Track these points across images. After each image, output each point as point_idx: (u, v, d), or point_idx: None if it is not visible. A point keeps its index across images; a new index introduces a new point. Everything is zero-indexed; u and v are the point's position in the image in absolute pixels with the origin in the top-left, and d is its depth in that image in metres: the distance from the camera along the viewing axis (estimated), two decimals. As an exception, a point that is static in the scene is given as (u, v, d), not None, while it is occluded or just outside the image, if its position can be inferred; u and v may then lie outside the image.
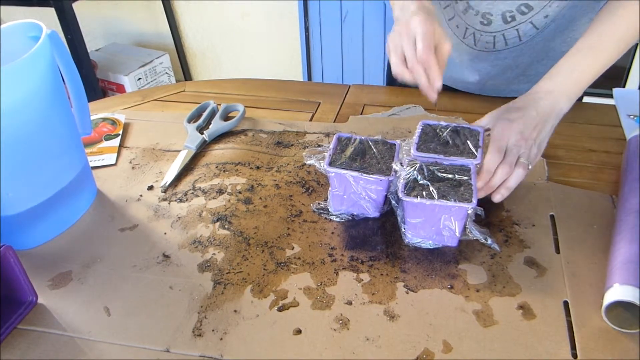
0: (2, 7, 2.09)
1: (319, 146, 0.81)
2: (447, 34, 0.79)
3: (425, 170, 0.61)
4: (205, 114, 0.88)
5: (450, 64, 0.91)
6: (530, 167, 0.63)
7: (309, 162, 0.65)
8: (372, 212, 0.67)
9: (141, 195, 0.74)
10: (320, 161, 0.64)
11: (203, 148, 0.83)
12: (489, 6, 0.78)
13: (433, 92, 0.64)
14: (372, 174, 0.62)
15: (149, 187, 0.76)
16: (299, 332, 0.54)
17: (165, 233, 0.68)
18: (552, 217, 0.67)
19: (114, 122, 0.90)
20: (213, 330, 0.55)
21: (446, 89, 0.94)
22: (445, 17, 0.85)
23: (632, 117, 0.85)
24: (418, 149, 0.65)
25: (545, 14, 0.77)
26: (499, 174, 0.62)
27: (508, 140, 0.63)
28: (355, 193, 0.64)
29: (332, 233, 0.66)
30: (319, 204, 0.70)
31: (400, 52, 0.65)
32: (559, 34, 0.81)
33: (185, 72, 2.49)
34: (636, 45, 1.92)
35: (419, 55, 0.62)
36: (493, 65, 0.87)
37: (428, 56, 0.62)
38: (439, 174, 0.61)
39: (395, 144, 0.67)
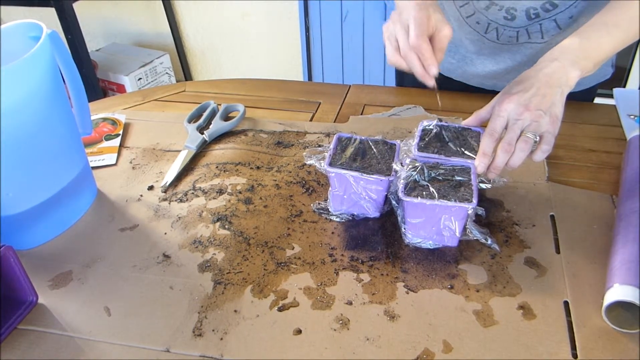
0: (2, 7, 2.09)
1: (319, 146, 0.82)
2: (466, 31, 0.78)
3: (425, 170, 0.61)
4: (205, 114, 0.88)
5: (467, 58, 0.91)
6: (537, 138, 0.59)
7: (309, 162, 0.65)
8: (373, 212, 0.67)
9: (141, 195, 0.74)
10: (321, 161, 0.64)
11: (203, 148, 0.83)
12: (513, 2, 0.77)
13: (429, 78, 0.62)
14: (372, 174, 0.62)
15: (149, 187, 0.76)
16: (299, 332, 0.54)
17: (165, 233, 0.68)
18: (552, 217, 0.67)
19: (114, 122, 0.90)
20: (213, 330, 0.55)
21: (450, 89, 0.94)
22: (463, 14, 0.85)
23: (632, 117, 0.85)
24: (418, 149, 0.65)
25: (570, 14, 0.76)
26: (500, 155, 0.60)
27: (508, 115, 0.60)
28: (355, 193, 0.64)
29: (332, 233, 0.66)
30: (319, 204, 0.70)
31: (394, 40, 0.64)
32: None
33: (185, 72, 2.49)
34: (636, 45, 1.92)
35: (410, 42, 0.61)
36: (513, 59, 0.87)
37: (420, 42, 0.60)
38: (439, 174, 0.61)
39: (395, 144, 0.67)
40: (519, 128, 0.60)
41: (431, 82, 0.63)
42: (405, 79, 1.03)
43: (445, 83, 0.95)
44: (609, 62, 0.90)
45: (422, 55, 0.61)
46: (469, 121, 0.67)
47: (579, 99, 0.89)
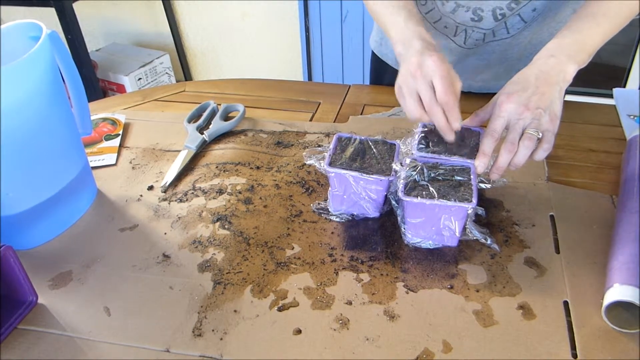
0: (2, 7, 2.09)
1: (319, 146, 0.82)
2: (434, 36, 0.79)
3: (425, 170, 0.61)
4: (205, 114, 0.88)
5: None
6: (540, 135, 0.59)
7: (309, 162, 0.65)
8: (372, 212, 0.67)
9: (141, 195, 0.74)
10: (320, 161, 0.64)
11: (203, 148, 0.84)
12: (479, 2, 0.78)
13: (451, 133, 0.62)
14: (372, 174, 0.62)
15: (149, 187, 0.76)
16: (299, 332, 0.54)
17: (165, 233, 0.68)
18: (552, 217, 0.67)
19: (114, 122, 0.90)
20: (213, 330, 0.55)
21: None
22: (430, 20, 0.85)
23: (632, 117, 0.85)
24: (418, 149, 0.65)
25: (533, 7, 0.77)
26: (503, 155, 0.60)
27: (508, 116, 0.60)
28: (355, 193, 0.64)
29: (332, 233, 0.66)
30: (319, 204, 0.70)
31: (416, 95, 0.63)
32: (545, 27, 0.81)
33: (185, 72, 2.49)
34: (636, 45, 1.92)
35: (439, 98, 0.61)
36: (481, 60, 0.87)
37: (449, 98, 0.60)
38: (439, 175, 0.61)
39: (395, 144, 0.67)
40: (521, 127, 0.60)
41: (452, 137, 0.63)
42: (384, 79, 1.03)
43: None
44: None
45: (448, 110, 0.61)
46: (469, 121, 0.67)
47: None
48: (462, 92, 0.92)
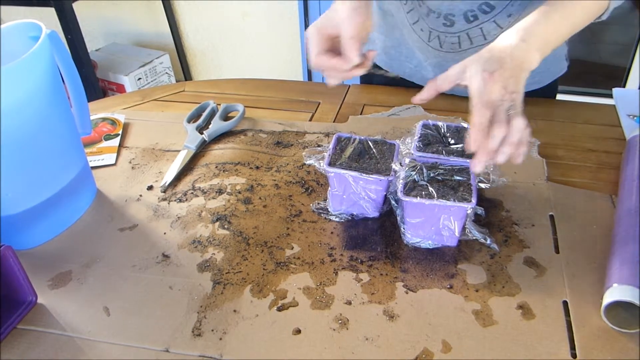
0: (2, 7, 2.09)
1: (319, 146, 0.82)
2: (413, 38, 0.77)
3: (424, 170, 0.61)
4: (205, 114, 0.88)
5: (420, 65, 0.91)
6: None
7: (308, 162, 0.65)
8: (372, 212, 0.67)
9: (141, 195, 0.74)
10: (320, 161, 0.64)
11: (203, 148, 0.84)
12: (450, 7, 0.77)
13: (355, 66, 0.63)
14: (372, 174, 0.62)
15: (148, 187, 0.76)
16: (298, 332, 0.54)
17: (164, 233, 0.68)
18: (551, 217, 0.67)
19: (113, 122, 0.90)
20: (212, 330, 0.55)
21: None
22: (410, 21, 0.84)
23: (632, 117, 0.85)
24: (418, 149, 0.65)
25: (508, 13, 0.77)
26: (496, 134, 0.54)
27: (493, 95, 0.56)
28: (354, 193, 0.64)
29: (332, 233, 0.66)
30: (318, 203, 0.70)
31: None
32: None
33: (185, 72, 2.49)
34: (636, 45, 1.92)
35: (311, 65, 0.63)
36: None
37: (316, 66, 0.63)
38: (439, 174, 0.61)
39: (394, 144, 0.67)
40: (506, 109, 0.56)
41: (356, 59, 0.62)
42: (374, 79, 1.03)
43: (403, 83, 0.96)
44: (563, 56, 0.90)
45: (326, 69, 0.64)
46: (425, 95, 0.62)
47: (542, 96, 0.90)
48: (447, 95, 0.92)
